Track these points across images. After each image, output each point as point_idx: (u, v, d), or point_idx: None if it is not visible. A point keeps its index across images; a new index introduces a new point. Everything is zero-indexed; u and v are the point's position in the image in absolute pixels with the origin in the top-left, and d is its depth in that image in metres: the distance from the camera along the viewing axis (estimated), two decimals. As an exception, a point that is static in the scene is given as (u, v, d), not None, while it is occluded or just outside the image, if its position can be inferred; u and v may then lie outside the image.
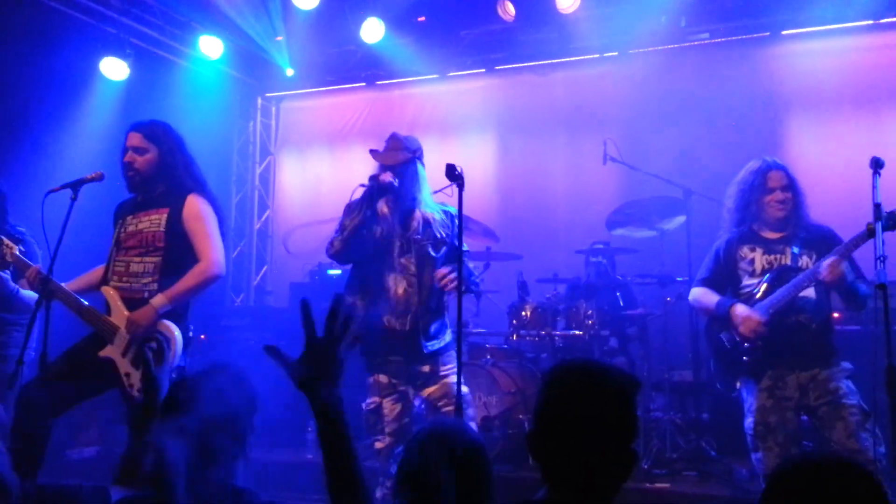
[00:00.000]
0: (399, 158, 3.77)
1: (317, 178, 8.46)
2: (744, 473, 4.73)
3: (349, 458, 1.72)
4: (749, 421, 3.67)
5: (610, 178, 6.33)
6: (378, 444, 3.81)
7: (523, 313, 5.57)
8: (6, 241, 3.74)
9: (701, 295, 3.89)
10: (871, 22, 6.26)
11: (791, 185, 3.74)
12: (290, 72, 7.63)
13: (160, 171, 3.72)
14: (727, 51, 6.78)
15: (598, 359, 5.33)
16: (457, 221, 3.59)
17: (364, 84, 8.15)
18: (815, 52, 6.47)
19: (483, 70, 7.63)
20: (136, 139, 3.73)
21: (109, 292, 3.62)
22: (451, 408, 3.53)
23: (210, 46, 7.05)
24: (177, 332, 3.52)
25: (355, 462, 1.73)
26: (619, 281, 5.87)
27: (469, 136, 7.69)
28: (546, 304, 5.61)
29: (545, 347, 5.67)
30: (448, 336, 3.88)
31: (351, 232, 3.71)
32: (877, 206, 2.97)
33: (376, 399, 3.80)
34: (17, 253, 3.76)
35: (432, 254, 3.78)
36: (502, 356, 5.61)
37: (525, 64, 7.42)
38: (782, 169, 3.77)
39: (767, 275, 3.69)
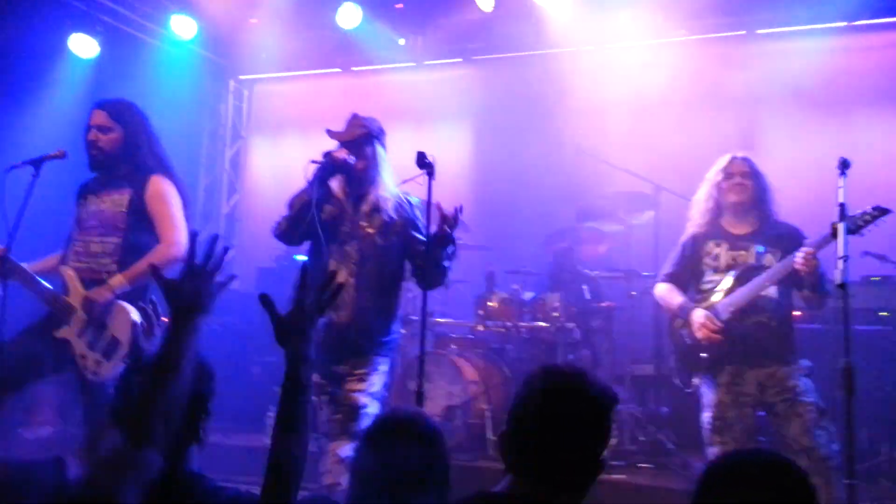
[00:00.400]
0: (356, 134, 3.51)
1: (288, 164, 8.31)
2: (700, 467, 4.77)
3: (300, 419, 1.85)
4: (707, 415, 3.71)
5: (581, 171, 6.34)
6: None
7: (490, 304, 5.58)
8: None
9: (665, 293, 3.95)
10: (845, 24, 6.31)
11: (752, 175, 3.79)
12: (263, 55, 7.55)
13: (124, 150, 3.67)
14: (703, 48, 6.82)
15: (561, 350, 5.38)
16: (417, 210, 3.48)
17: (339, 70, 8.09)
18: (790, 52, 6.51)
19: (460, 59, 7.61)
20: (100, 117, 3.68)
21: (68, 272, 3.57)
22: (338, 416, 3.30)
23: (182, 26, 6.95)
24: (133, 314, 3.47)
25: (304, 424, 1.87)
26: (586, 274, 5.91)
27: (443, 126, 7.67)
28: (513, 296, 5.62)
29: (511, 339, 5.68)
30: (384, 345, 3.50)
31: (297, 212, 3.42)
32: (841, 206, 3.01)
33: (314, 398, 3.34)
34: None
35: (379, 242, 3.44)
36: (467, 346, 5.62)
37: (502, 55, 7.40)
38: (745, 159, 3.84)
39: (731, 272, 3.72)
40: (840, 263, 2.88)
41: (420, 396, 3.25)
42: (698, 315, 3.71)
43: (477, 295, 5.71)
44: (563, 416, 1.65)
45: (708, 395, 3.73)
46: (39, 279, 3.61)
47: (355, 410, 3.28)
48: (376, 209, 3.48)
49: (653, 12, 6.51)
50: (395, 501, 2.02)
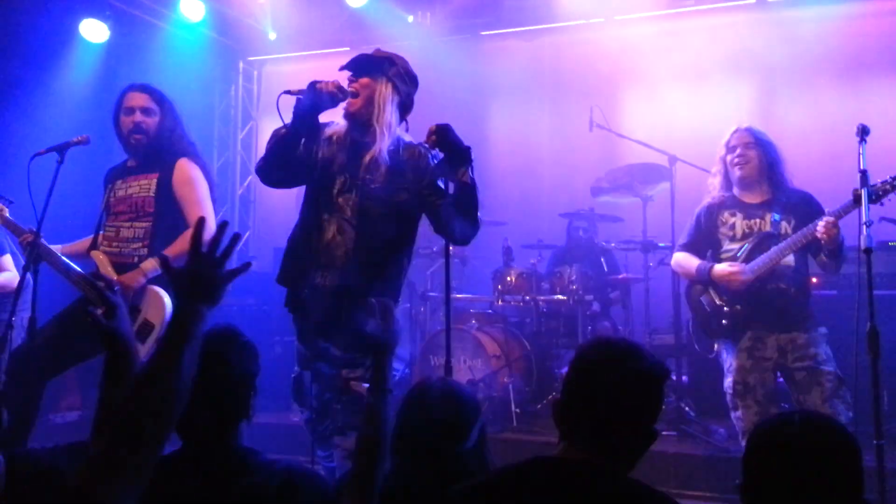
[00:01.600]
0: (362, 62, 3.04)
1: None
2: (721, 433, 4.85)
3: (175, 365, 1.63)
4: (728, 380, 3.76)
5: (595, 144, 6.34)
6: (301, 416, 3.35)
7: (508, 278, 5.62)
8: None
9: (682, 259, 3.98)
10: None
11: (755, 144, 3.79)
12: (272, 35, 7.55)
13: (161, 134, 3.66)
14: (713, 18, 6.78)
15: (581, 323, 5.43)
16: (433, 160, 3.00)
17: (348, 48, 8.04)
18: (801, 19, 6.48)
19: (469, 35, 7.58)
20: (143, 99, 3.66)
21: (99, 257, 3.58)
22: (348, 410, 2.88)
23: (191, 9, 6.94)
24: (166, 298, 3.46)
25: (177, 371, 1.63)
26: (603, 246, 5.94)
27: (454, 102, 7.62)
28: (530, 270, 5.66)
29: (529, 312, 5.73)
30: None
31: (272, 147, 3.00)
32: (863, 173, 3.02)
33: (297, 369, 3.19)
34: (7, 216, 3.75)
35: (382, 197, 2.95)
36: (487, 321, 5.67)
37: (511, 29, 7.37)
38: (747, 130, 3.83)
39: (748, 240, 3.76)
40: (864, 229, 2.90)
41: (448, 369, 3.19)
42: (721, 266, 3.74)
43: (494, 270, 5.75)
44: (615, 387, 1.67)
45: (729, 361, 3.77)
46: (71, 262, 3.63)
47: (360, 400, 2.60)
48: (380, 159, 2.96)
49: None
50: (437, 455, 2.10)
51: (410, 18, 7.31)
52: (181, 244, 3.45)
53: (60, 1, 6.37)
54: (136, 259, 3.54)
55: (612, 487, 1.60)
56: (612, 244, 5.86)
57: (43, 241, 3.59)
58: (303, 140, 3.02)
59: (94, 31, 6.60)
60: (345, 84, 3.07)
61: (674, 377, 5.55)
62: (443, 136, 2.83)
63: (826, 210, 3.65)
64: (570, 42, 7.22)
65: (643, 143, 5.52)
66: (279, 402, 5.69)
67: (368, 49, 3.21)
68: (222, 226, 1.73)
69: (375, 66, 3.04)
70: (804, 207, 3.73)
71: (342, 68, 3.07)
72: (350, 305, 2.87)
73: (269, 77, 8.69)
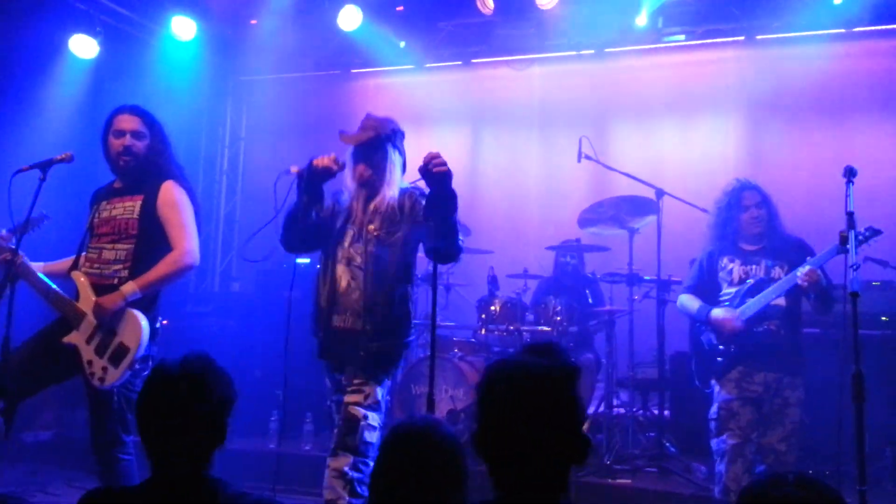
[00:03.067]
0: (365, 138, 3.34)
1: (286, 165, 8.36)
2: (703, 471, 4.82)
3: None
4: (713, 408, 3.98)
5: (583, 175, 6.36)
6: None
7: (492, 308, 5.59)
8: None
9: (686, 300, 4.23)
10: (843, 31, 6.35)
11: (764, 202, 4.05)
12: (264, 56, 7.53)
13: (149, 157, 3.62)
14: (702, 53, 6.85)
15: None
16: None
17: (339, 72, 8.08)
18: (789, 57, 6.56)
19: (460, 63, 7.61)
20: (134, 122, 3.63)
21: (80, 278, 3.54)
22: (344, 431, 3.15)
23: (183, 27, 6.93)
24: (143, 322, 3.42)
25: None
26: (589, 278, 5.93)
27: (444, 129, 7.69)
28: (515, 300, 5.63)
29: (513, 342, 5.68)
30: (394, 354, 3.35)
31: (286, 220, 3.33)
32: (849, 215, 3.06)
33: (328, 402, 3.47)
34: None
35: (383, 239, 3.30)
36: (470, 350, 5.63)
37: (502, 58, 7.41)
38: (755, 188, 4.10)
39: (744, 285, 3.99)
40: (851, 272, 2.92)
41: (431, 402, 3.23)
42: (719, 311, 3.99)
43: (479, 299, 5.72)
44: (524, 408, 1.64)
45: (717, 390, 3.99)
46: (49, 282, 3.58)
47: (354, 423, 3.14)
48: (379, 208, 3.34)
49: (652, 17, 6.54)
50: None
51: (402, 44, 7.32)
52: (160, 269, 3.46)
53: (50, 16, 6.34)
54: (116, 281, 3.49)
55: None
56: (598, 276, 5.85)
57: (24, 259, 3.54)
58: (313, 210, 3.33)
59: (83, 46, 6.57)
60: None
61: (655, 412, 5.53)
62: (440, 178, 3.06)
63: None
64: (560, 72, 7.26)
65: (631, 175, 5.53)
66: (257, 428, 5.63)
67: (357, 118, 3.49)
68: None
69: (375, 141, 3.35)
70: (797, 253, 3.97)
71: (350, 141, 3.38)
72: (362, 341, 3.24)
73: (259, 97, 8.66)
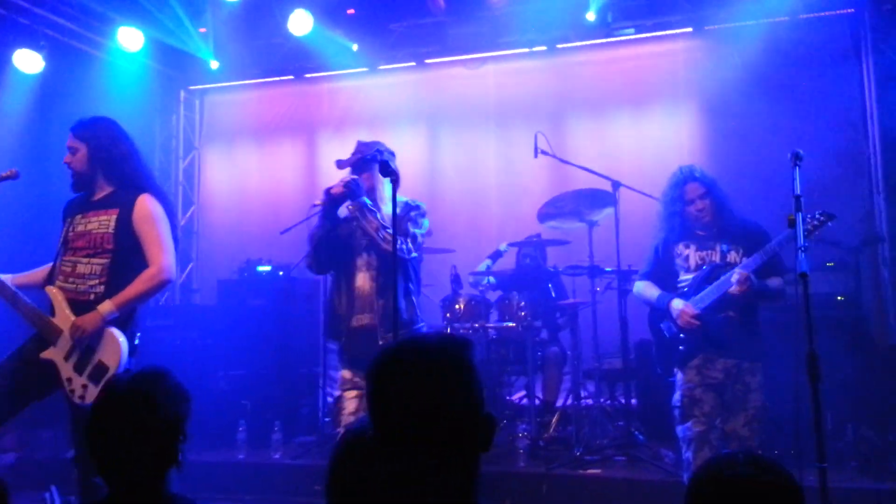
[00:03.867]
0: (352, 161, 3.88)
1: (244, 173, 8.31)
2: (671, 457, 4.87)
3: None
4: (677, 395, 3.99)
5: (541, 170, 6.40)
6: (338, 432, 3.88)
7: (456, 306, 5.60)
8: None
9: (644, 288, 4.21)
10: (787, 18, 6.47)
11: (708, 192, 4.02)
12: (214, 64, 7.44)
13: (93, 166, 3.58)
14: (653, 46, 6.93)
15: (530, 349, 5.41)
16: (414, 213, 3.87)
17: (292, 77, 8.02)
18: (735, 47, 6.66)
19: (413, 63, 7.60)
20: (69, 139, 3.64)
21: (53, 292, 3.49)
22: None
23: (129, 38, 6.81)
24: (122, 340, 3.41)
25: None
26: (550, 272, 5.96)
27: (400, 130, 7.65)
28: (479, 297, 5.64)
29: (479, 340, 5.68)
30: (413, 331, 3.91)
31: (315, 248, 3.86)
32: (797, 198, 3.09)
33: (338, 392, 3.91)
34: None
35: (388, 248, 3.68)
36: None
37: (455, 57, 7.42)
38: (698, 179, 4.05)
39: (700, 271, 3.99)
40: (799, 254, 2.97)
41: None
42: (678, 303, 3.97)
43: (443, 298, 5.72)
44: (410, 390, 1.50)
45: (679, 377, 4.01)
46: (22, 296, 3.52)
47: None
48: (382, 222, 3.79)
49: (602, 12, 6.60)
50: None
51: (355, 47, 7.29)
52: (138, 286, 3.45)
53: (-8, 31, 6.20)
54: (92, 296, 3.44)
55: None
56: (560, 269, 5.89)
57: None
58: (336, 230, 3.88)
59: (27, 61, 6.44)
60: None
61: (622, 401, 5.59)
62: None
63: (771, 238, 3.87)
64: (514, 70, 7.30)
65: (587, 169, 5.57)
66: (226, 438, 5.56)
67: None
68: None
69: (369, 161, 3.86)
70: (752, 236, 3.97)
71: (342, 166, 3.88)
72: (380, 333, 3.77)
73: (211, 106, 8.58)
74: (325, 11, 6.81)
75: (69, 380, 3.37)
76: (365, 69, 7.62)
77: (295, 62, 7.71)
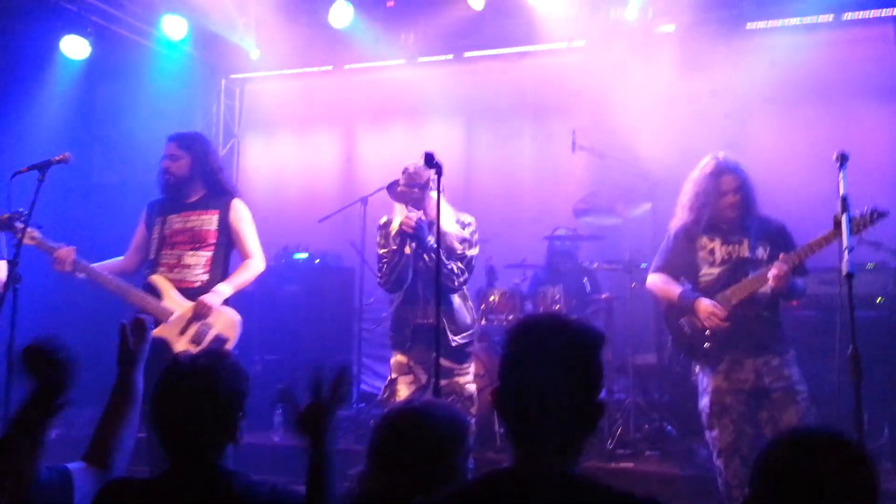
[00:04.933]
0: (415, 195, 4.13)
1: (282, 162, 8.40)
2: (704, 453, 4.87)
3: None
4: (705, 401, 3.86)
5: (577, 165, 6.40)
6: None
7: (491, 298, 5.64)
8: (28, 228, 3.85)
9: (661, 283, 4.04)
10: (832, 18, 6.41)
11: (742, 186, 3.87)
12: (255, 53, 7.54)
13: (192, 174, 4.23)
14: (693, 43, 6.88)
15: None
16: (468, 230, 4.22)
17: (331, 68, 8.09)
18: (779, 45, 6.61)
19: (451, 56, 7.62)
20: (171, 147, 4.26)
21: (161, 281, 4.10)
22: (456, 405, 3.90)
23: (173, 27, 6.92)
24: (237, 316, 4.15)
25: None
26: (586, 267, 5.98)
27: (437, 123, 7.71)
28: (514, 289, 5.68)
29: (513, 331, 5.73)
30: (473, 333, 4.32)
31: (391, 271, 4.17)
32: (843, 199, 3.07)
33: (394, 375, 4.24)
34: (40, 237, 4.03)
35: (454, 270, 4.14)
36: (471, 340, 5.67)
37: (493, 51, 7.44)
38: (733, 171, 3.89)
39: (726, 265, 3.86)
40: (845, 254, 2.95)
41: (437, 389, 3.34)
42: (706, 303, 3.81)
43: (478, 289, 5.76)
44: (548, 369, 1.62)
45: (706, 382, 3.88)
46: (124, 282, 4.10)
47: (472, 398, 4.24)
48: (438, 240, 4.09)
49: (642, 6, 6.58)
50: (413, 478, 2.05)
51: (398, 38, 7.33)
52: (245, 273, 4.23)
53: (42, 17, 6.34)
54: (198, 283, 4.11)
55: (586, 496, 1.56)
56: (595, 264, 5.90)
57: (82, 261, 4.06)
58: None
59: (75, 47, 6.58)
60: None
61: (656, 396, 5.59)
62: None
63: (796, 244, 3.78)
64: (552, 64, 7.29)
65: (624, 163, 5.58)
66: (262, 421, 5.67)
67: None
68: (342, 370, 2.03)
69: (423, 189, 4.14)
70: (779, 236, 3.86)
71: (398, 199, 4.21)
72: (446, 331, 4.12)
73: (251, 95, 8.67)
74: (365, 3, 6.86)
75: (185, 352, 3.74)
76: (403, 61, 7.66)
77: (334, 53, 7.76)
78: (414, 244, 4.13)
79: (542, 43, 7.21)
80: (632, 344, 5.50)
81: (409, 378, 4.17)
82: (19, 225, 3.79)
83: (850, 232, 3.23)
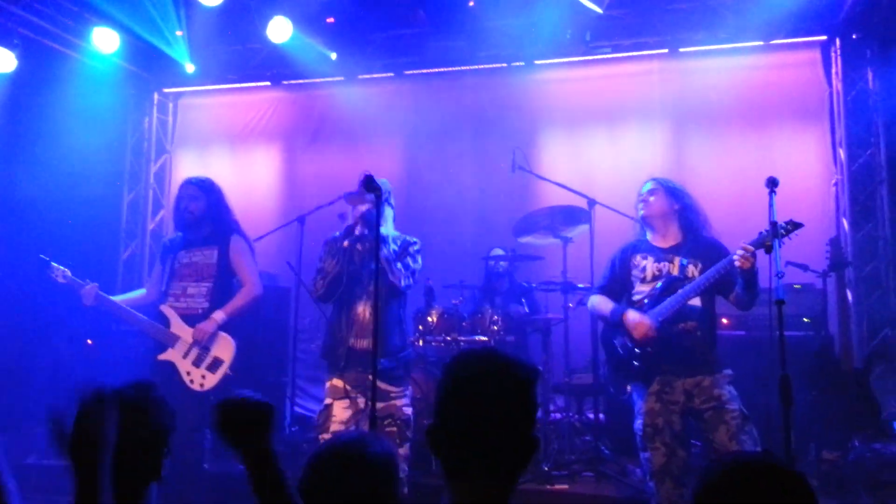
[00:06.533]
0: (367, 201, 4.06)
1: (216, 179, 8.15)
2: (638, 473, 4.90)
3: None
4: (638, 423, 3.88)
5: (517, 186, 6.43)
6: (322, 438, 4.06)
7: (429, 319, 5.58)
8: (56, 265, 4.65)
9: (598, 302, 4.10)
10: (761, 42, 6.61)
11: (659, 190, 4.01)
12: (190, 67, 7.39)
13: (207, 214, 4.69)
14: (629, 65, 7.02)
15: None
16: (412, 248, 4.24)
17: (269, 83, 7.99)
18: (711, 69, 6.79)
19: (392, 74, 7.61)
20: (192, 189, 4.74)
21: (168, 310, 4.57)
22: (393, 428, 4.05)
23: (104, 39, 6.74)
24: (232, 340, 4.52)
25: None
26: (524, 287, 5.99)
27: (376, 141, 7.66)
28: (452, 310, 5.64)
29: (451, 353, 5.68)
30: (404, 357, 4.25)
31: (332, 282, 4.14)
32: (773, 225, 3.11)
33: (329, 400, 4.16)
34: (70, 275, 4.65)
35: (391, 279, 4.11)
36: (407, 361, 5.60)
37: (434, 70, 7.45)
38: (654, 179, 4.11)
39: (658, 283, 3.90)
40: (776, 280, 3.00)
41: (374, 420, 3.28)
42: (633, 315, 3.86)
43: (417, 310, 5.70)
44: (485, 406, 1.62)
45: (639, 403, 3.90)
46: (137, 312, 4.59)
47: (408, 422, 4.17)
48: (393, 255, 4.17)
49: (580, 30, 6.68)
50: None
51: (334, 56, 7.28)
52: (240, 301, 4.60)
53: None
54: (200, 311, 4.55)
55: None
56: (533, 285, 5.91)
57: (104, 295, 4.60)
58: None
59: (0, 59, 6.33)
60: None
61: (591, 416, 5.62)
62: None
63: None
64: (492, 84, 7.34)
65: (563, 185, 5.62)
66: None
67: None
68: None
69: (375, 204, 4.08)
70: (712, 252, 3.88)
71: (351, 200, 4.11)
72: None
73: (185, 109, 8.50)
74: (304, 19, 6.79)
75: (188, 373, 4.44)
76: (342, 78, 7.60)
77: (272, 68, 7.68)
78: (359, 243, 4.14)
79: (482, 63, 7.25)
80: (567, 364, 5.52)
81: (345, 403, 4.10)
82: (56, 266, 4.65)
83: (767, 241, 3.39)
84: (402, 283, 4.14)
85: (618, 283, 4.07)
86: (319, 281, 4.19)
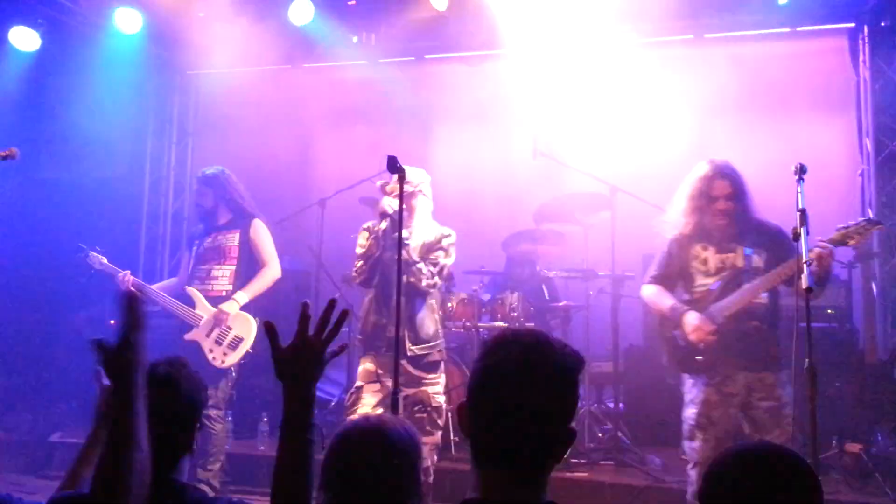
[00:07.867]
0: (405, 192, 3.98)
1: (237, 161, 8.09)
2: (657, 463, 4.90)
3: (304, 456, 1.74)
4: (692, 411, 3.74)
5: (538, 171, 6.38)
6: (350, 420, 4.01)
7: (449, 305, 5.58)
8: (94, 253, 4.97)
9: (655, 295, 3.93)
10: (788, 29, 6.51)
11: (735, 194, 3.74)
12: (212, 50, 7.36)
13: (217, 203, 5.01)
14: (653, 51, 6.94)
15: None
16: (446, 240, 4.29)
17: (290, 66, 7.96)
18: (736, 55, 6.69)
19: (413, 58, 7.56)
20: (197, 186, 5.14)
21: (194, 292, 4.87)
22: (423, 415, 4.11)
23: (127, 20, 6.73)
24: (252, 319, 4.79)
25: (308, 459, 1.74)
26: (544, 274, 5.97)
27: (397, 124, 7.62)
28: (472, 296, 5.63)
29: (470, 339, 5.69)
30: (438, 344, 4.31)
31: (372, 267, 4.25)
32: (802, 212, 3.04)
33: (360, 383, 4.23)
34: (107, 262, 4.98)
35: (423, 269, 4.19)
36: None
37: (455, 54, 7.39)
38: (727, 177, 3.76)
39: (722, 275, 3.74)
40: (805, 269, 2.93)
41: (395, 402, 3.28)
42: (692, 318, 3.71)
43: (436, 296, 5.69)
44: (523, 395, 1.51)
45: (694, 392, 3.75)
46: (169, 297, 4.92)
47: (439, 410, 4.22)
48: (423, 247, 4.27)
49: (604, 14, 6.59)
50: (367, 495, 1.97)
51: (355, 39, 7.25)
52: (260, 282, 4.89)
53: (-12, 7, 6.13)
54: (224, 292, 4.85)
55: None
56: (553, 272, 5.88)
57: (137, 280, 5.04)
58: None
59: (24, 39, 6.37)
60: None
61: (611, 405, 5.61)
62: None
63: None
64: (514, 69, 7.28)
65: (584, 171, 5.58)
66: (246, 431, 5.60)
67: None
68: (330, 305, 1.79)
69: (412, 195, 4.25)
70: (776, 242, 3.69)
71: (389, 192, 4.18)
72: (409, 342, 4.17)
73: (207, 91, 8.47)
74: (326, 1, 6.76)
75: (211, 350, 4.72)
76: (364, 62, 7.56)
77: (293, 51, 7.63)
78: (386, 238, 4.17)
79: (504, 47, 7.18)
80: (587, 352, 5.49)
81: (376, 387, 4.16)
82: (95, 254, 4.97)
83: (841, 243, 3.33)
84: (423, 284, 4.17)
85: (674, 272, 3.89)
86: (361, 265, 4.27)
